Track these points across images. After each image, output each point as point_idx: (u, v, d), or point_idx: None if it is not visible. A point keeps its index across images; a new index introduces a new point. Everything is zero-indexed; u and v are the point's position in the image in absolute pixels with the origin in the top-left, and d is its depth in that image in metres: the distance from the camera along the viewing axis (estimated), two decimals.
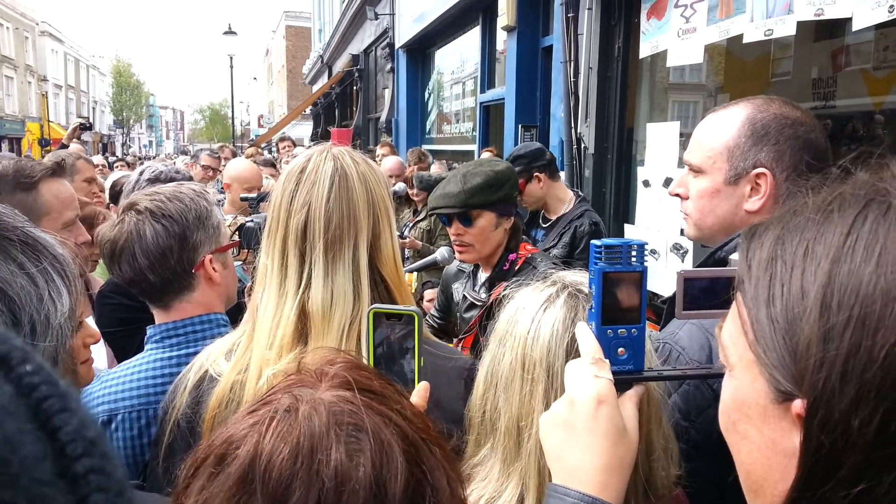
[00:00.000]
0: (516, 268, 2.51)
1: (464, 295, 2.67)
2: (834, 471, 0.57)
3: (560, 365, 1.09)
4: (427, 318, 2.89)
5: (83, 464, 0.26)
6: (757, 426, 0.67)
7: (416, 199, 5.80)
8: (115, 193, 3.87)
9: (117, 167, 9.43)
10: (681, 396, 1.44)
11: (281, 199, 1.35)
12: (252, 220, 2.47)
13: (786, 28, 3.01)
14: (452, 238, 2.56)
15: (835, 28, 3.70)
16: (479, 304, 2.56)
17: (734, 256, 1.06)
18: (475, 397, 1.21)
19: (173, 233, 1.69)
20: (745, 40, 3.30)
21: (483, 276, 2.64)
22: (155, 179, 2.94)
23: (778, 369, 0.62)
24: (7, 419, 0.24)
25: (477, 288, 2.65)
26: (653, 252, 3.97)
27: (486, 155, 6.72)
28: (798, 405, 0.60)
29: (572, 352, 1.09)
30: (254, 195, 3.25)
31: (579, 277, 1.21)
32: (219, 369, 1.34)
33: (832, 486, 0.57)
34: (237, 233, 2.41)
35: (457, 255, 2.61)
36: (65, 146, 6.31)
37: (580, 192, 4.09)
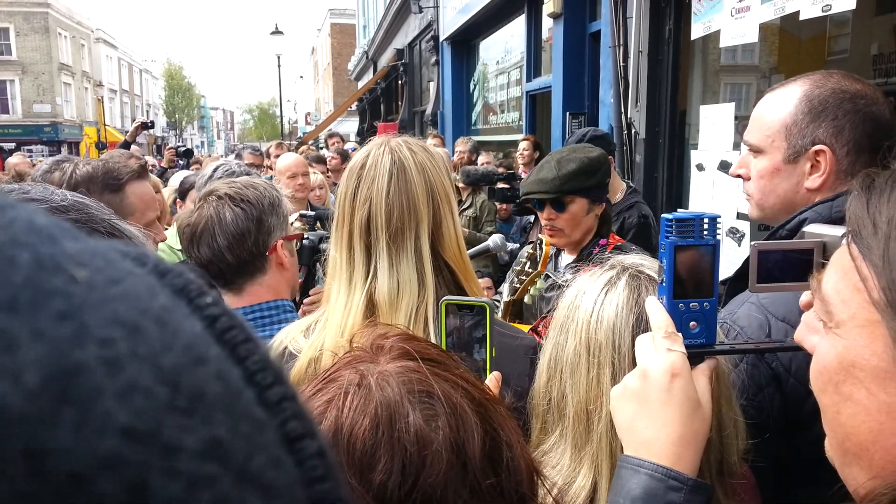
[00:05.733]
0: (606, 253, 2.50)
1: (546, 274, 2.68)
2: None
3: (626, 346, 1.09)
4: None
5: (275, 392, 0.25)
6: (868, 389, 0.65)
7: (461, 187, 5.82)
8: (184, 190, 4.02)
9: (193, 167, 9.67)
10: (738, 374, 1.43)
11: (344, 196, 1.41)
12: (308, 239, 2.50)
13: (846, 3, 2.91)
14: (544, 223, 2.58)
15: None
16: (564, 285, 2.55)
17: (809, 229, 1.04)
18: (538, 386, 1.21)
19: (251, 215, 1.79)
20: (801, 17, 3.21)
21: (567, 258, 2.65)
22: (229, 177, 3.04)
23: None
24: (210, 348, 0.24)
25: (561, 269, 2.65)
26: None
27: (524, 144, 6.67)
28: None
29: (638, 332, 1.08)
30: (311, 213, 3.23)
31: (639, 259, 1.21)
32: (297, 346, 1.41)
33: None
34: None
35: (548, 239, 2.60)
36: (128, 144, 6.51)
37: (631, 184, 4.04)
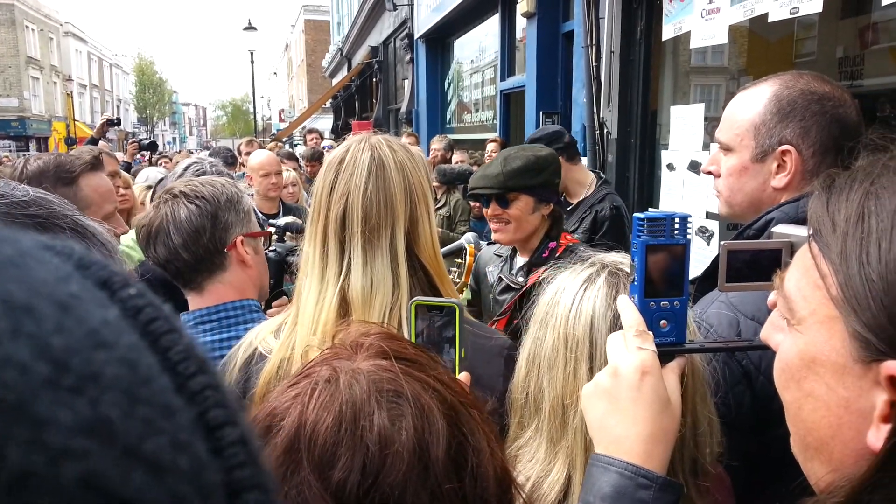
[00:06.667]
0: (556, 255, 2.49)
1: (500, 277, 2.67)
2: None
3: (604, 341, 1.09)
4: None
5: (198, 381, 0.25)
6: (828, 384, 0.66)
7: (435, 186, 5.81)
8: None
9: (162, 163, 9.46)
10: (709, 372, 1.44)
11: (321, 190, 1.39)
12: (275, 251, 2.43)
13: (813, 5, 2.96)
14: (489, 218, 2.57)
15: (862, 4, 3.64)
16: (515, 287, 2.57)
17: (777, 229, 1.05)
18: (517, 380, 1.22)
19: (206, 212, 1.76)
20: (770, 19, 3.25)
21: (521, 260, 2.65)
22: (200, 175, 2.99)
23: (871, 329, 0.61)
24: (122, 336, 0.24)
25: (514, 272, 2.65)
26: None
27: (492, 146, 6.67)
28: (891, 366, 0.59)
29: (615, 329, 1.09)
30: (282, 223, 3.13)
31: (618, 258, 1.22)
32: (267, 346, 1.38)
33: None
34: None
35: (493, 234, 2.61)
36: (96, 140, 6.40)
37: (602, 174, 3.98)
